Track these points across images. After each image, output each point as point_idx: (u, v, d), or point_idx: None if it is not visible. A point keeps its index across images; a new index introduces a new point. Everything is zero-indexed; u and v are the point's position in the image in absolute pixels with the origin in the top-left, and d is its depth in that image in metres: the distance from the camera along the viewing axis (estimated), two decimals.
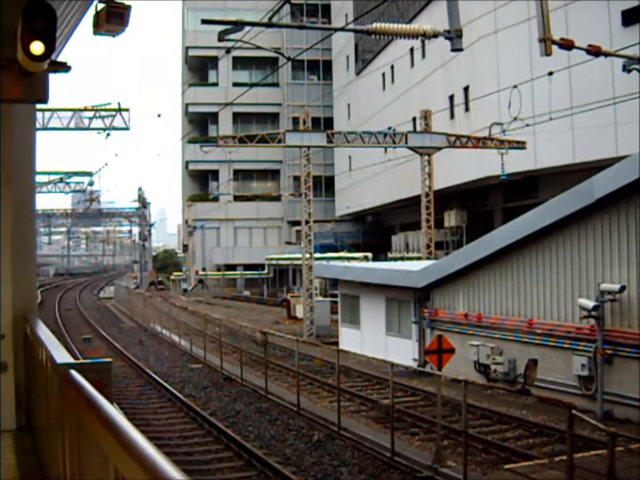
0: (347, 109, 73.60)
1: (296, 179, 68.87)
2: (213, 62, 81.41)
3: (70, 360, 5.34)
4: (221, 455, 15.19)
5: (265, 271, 76.55)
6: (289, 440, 16.16)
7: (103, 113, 38.92)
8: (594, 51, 18.07)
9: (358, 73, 68.95)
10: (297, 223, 57.45)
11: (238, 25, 21.52)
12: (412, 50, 52.77)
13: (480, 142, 38.83)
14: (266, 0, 46.80)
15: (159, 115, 61.85)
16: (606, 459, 10.67)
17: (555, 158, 36.86)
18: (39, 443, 7.33)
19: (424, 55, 51.60)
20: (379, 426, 17.55)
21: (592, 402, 18.49)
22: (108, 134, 39.06)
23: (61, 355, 5.49)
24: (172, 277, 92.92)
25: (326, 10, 79.99)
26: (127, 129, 39.26)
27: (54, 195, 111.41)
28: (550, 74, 26.49)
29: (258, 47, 26.30)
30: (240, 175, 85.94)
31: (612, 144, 32.79)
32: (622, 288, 17.67)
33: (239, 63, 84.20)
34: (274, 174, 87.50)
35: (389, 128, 41.85)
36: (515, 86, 28.98)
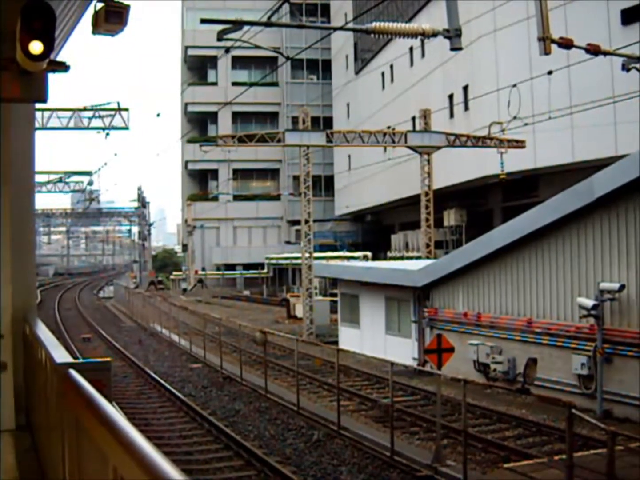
0: (347, 109, 73.61)
1: (295, 178, 68.83)
2: (212, 61, 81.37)
3: (70, 360, 5.34)
4: (221, 454, 15.18)
5: (265, 271, 76.60)
6: (288, 440, 16.16)
7: (102, 113, 38.90)
8: (593, 50, 18.09)
9: (357, 72, 68.95)
10: (297, 222, 57.49)
11: (237, 24, 21.50)
12: (411, 49, 52.77)
13: (479, 141, 38.84)
14: None
15: (158, 115, 61.84)
16: (606, 458, 10.67)
17: (555, 157, 36.87)
18: (38, 443, 7.33)
19: (423, 55, 51.61)
20: (379, 425, 17.54)
21: (591, 401, 18.50)
22: (107, 134, 39.05)
23: (60, 355, 5.49)
24: (171, 276, 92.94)
25: (325, 9, 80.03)
26: (126, 128, 39.25)
27: (53, 195, 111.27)
28: (550, 73, 26.52)
29: (257, 47, 26.28)
30: (240, 174, 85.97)
31: (611, 143, 32.80)
32: (622, 287, 17.67)
33: (238, 62, 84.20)
34: (273, 174, 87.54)
35: (389, 127, 41.86)
36: (514, 85, 29.00)
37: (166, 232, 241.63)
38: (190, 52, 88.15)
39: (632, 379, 17.16)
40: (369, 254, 60.23)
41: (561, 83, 32.92)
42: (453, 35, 18.39)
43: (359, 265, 39.71)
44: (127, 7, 7.68)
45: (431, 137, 40.94)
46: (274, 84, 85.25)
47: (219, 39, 22.48)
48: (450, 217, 49.89)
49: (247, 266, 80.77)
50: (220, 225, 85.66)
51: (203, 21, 23.01)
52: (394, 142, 40.58)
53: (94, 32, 7.91)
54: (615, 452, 10.66)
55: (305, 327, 38.79)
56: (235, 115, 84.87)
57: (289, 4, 18.29)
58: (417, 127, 45.28)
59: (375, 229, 73.57)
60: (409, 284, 26.61)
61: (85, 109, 38.89)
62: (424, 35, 19.88)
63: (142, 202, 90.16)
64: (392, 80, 59.66)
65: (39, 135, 44.53)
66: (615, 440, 10.64)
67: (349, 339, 30.87)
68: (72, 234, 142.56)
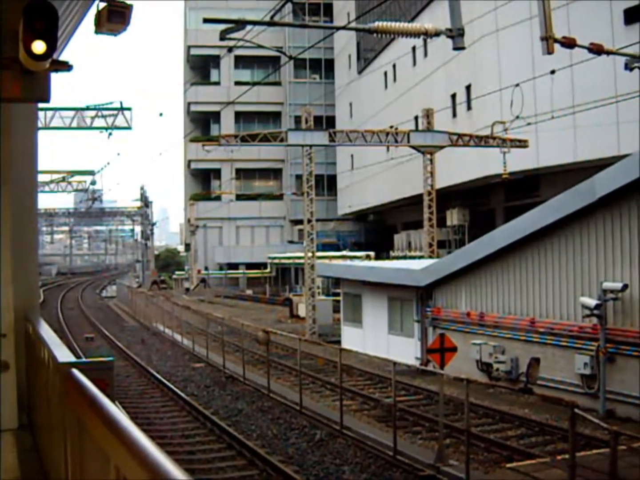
0: (349, 108, 73.59)
1: (298, 177, 68.87)
2: (215, 61, 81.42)
3: (72, 359, 5.34)
4: (223, 454, 15.19)
5: (268, 270, 76.61)
6: (291, 439, 16.16)
7: (105, 112, 38.93)
8: (596, 49, 18.07)
9: (360, 72, 68.93)
10: (300, 222, 57.45)
11: (240, 24, 21.51)
12: (414, 49, 52.73)
13: (482, 141, 38.82)
14: None
15: (161, 115, 61.78)
16: (608, 457, 10.67)
17: (557, 157, 36.83)
18: (40, 442, 7.34)
19: (425, 54, 51.59)
20: (381, 425, 17.54)
21: (594, 401, 18.49)
22: (110, 133, 39.08)
23: (63, 354, 5.50)
24: (174, 276, 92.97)
25: (328, 9, 80.00)
26: (129, 128, 39.29)
27: (56, 195, 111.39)
28: (553, 72, 26.47)
29: (260, 46, 26.30)
30: (243, 174, 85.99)
31: (614, 143, 32.75)
32: (625, 287, 17.66)
33: (241, 62, 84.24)
34: (276, 173, 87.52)
35: (391, 127, 41.86)
36: (517, 85, 28.97)
37: (169, 232, 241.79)
38: (193, 51, 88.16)
39: (635, 378, 17.14)
40: (372, 253, 60.18)
41: (564, 83, 32.87)
42: (456, 34, 18.37)
43: (361, 264, 39.68)
44: (129, 7, 7.69)
45: (434, 137, 40.93)
46: (277, 84, 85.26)
47: (222, 38, 22.50)
48: (453, 217, 49.88)
49: (249, 266, 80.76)
50: (223, 225, 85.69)
51: (206, 21, 23.02)
52: (396, 141, 40.57)
53: (96, 32, 7.93)
54: (618, 452, 10.65)
55: (308, 326, 38.79)
56: (238, 115, 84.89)
57: (292, 4, 18.31)
58: (420, 127, 45.27)
59: (378, 229, 73.55)
60: (411, 284, 26.60)
61: (87, 109, 38.92)
62: (427, 34, 19.85)
63: (145, 202, 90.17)
64: (394, 79, 59.65)
65: (41, 135, 44.57)
66: (617, 440, 10.64)
67: (352, 339, 30.87)
68: (74, 233, 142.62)
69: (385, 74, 61.12)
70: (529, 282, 21.52)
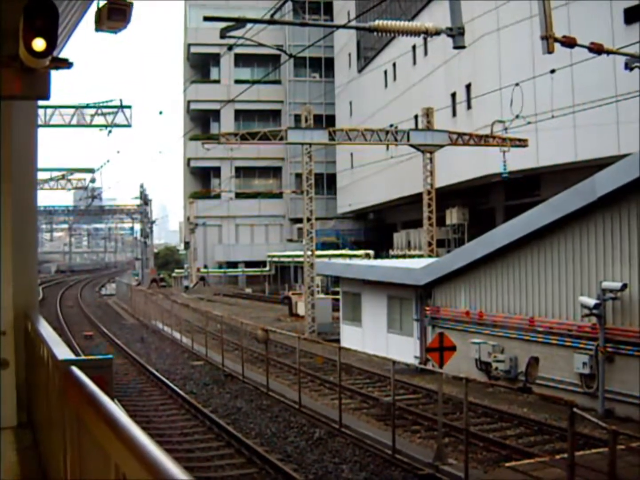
0: (349, 107, 73.59)
1: (298, 176, 68.88)
2: (215, 59, 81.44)
3: (71, 356, 5.34)
4: (222, 452, 15.20)
5: (267, 268, 76.62)
6: (290, 438, 16.17)
7: (105, 110, 38.94)
8: (596, 49, 18.06)
9: (360, 70, 68.94)
10: (299, 220, 57.48)
11: (240, 22, 21.51)
12: (414, 47, 52.74)
13: (482, 140, 38.84)
14: None
15: (160, 113, 61.76)
16: (607, 457, 10.66)
17: (557, 156, 36.85)
18: (39, 440, 7.34)
19: (426, 53, 51.59)
20: (380, 424, 17.55)
21: (593, 400, 18.50)
22: (110, 131, 39.11)
23: (62, 352, 5.49)
24: (173, 274, 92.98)
25: (328, 7, 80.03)
26: (129, 126, 39.29)
27: (55, 192, 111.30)
28: (553, 71, 26.47)
29: (260, 44, 26.29)
30: (242, 172, 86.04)
31: (614, 142, 32.76)
32: (624, 286, 17.66)
33: (241, 60, 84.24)
34: (275, 171, 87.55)
35: (391, 126, 41.85)
36: (517, 84, 28.98)
37: (168, 230, 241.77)
38: (193, 49, 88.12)
39: (634, 378, 17.15)
40: (371, 252, 60.22)
41: (564, 82, 32.88)
42: (456, 33, 18.35)
43: (361, 263, 39.71)
44: (129, 5, 7.68)
45: (434, 136, 40.94)
46: (277, 82, 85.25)
47: (222, 36, 22.49)
48: (453, 216, 49.90)
49: (249, 264, 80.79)
50: (223, 223, 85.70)
51: (206, 19, 22.98)
52: (396, 140, 40.58)
53: (96, 30, 7.92)
54: (617, 452, 10.64)
55: (307, 325, 38.80)
56: (238, 113, 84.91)
57: (292, 2, 18.30)
58: (420, 126, 45.31)
59: (377, 227, 73.58)
60: (411, 283, 26.60)
61: (87, 106, 38.92)
62: (427, 33, 19.84)
63: (145, 200, 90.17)
64: (394, 78, 59.66)
65: (41, 132, 44.55)
66: (616, 439, 10.63)
67: (351, 337, 30.87)
68: (74, 231, 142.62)
69: (385, 72, 61.13)
70: (529, 282, 21.53)
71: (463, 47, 19.12)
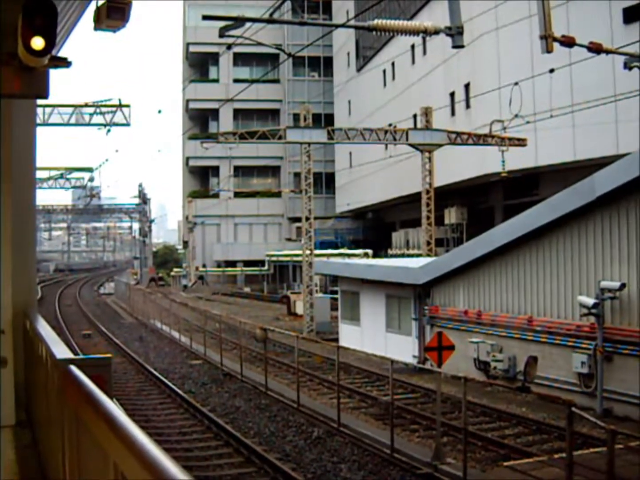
0: (348, 106, 73.57)
1: (297, 175, 68.88)
2: (214, 58, 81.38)
3: (70, 355, 5.34)
4: (221, 451, 15.20)
5: (266, 268, 76.64)
6: (288, 437, 16.17)
7: (104, 109, 38.94)
8: (595, 48, 18.07)
9: (359, 70, 68.92)
10: (298, 219, 57.50)
11: (239, 21, 21.48)
12: (413, 47, 52.72)
13: (481, 139, 38.81)
14: None
15: (159, 112, 61.70)
16: (605, 456, 10.67)
17: (556, 155, 36.84)
18: (38, 438, 7.34)
19: (424, 52, 51.57)
20: (379, 423, 17.55)
21: (591, 400, 18.50)
22: (109, 130, 39.10)
23: (61, 351, 5.49)
24: (172, 273, 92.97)
25: (327, 6, 79.95)
26: (127, 125, 39.30)
27: (54, 191, 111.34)
28: (552, 71, 26.46)
29: (259, 44, 26.27)
30: (241, 171, 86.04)
31: (613, 142, 32.77)
32: (622, 286, 17.67)
33: (240, 59, 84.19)
34: (274, 170, 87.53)
35: (390, 125, 41.86)
36: (516, 83, 28.99)
37: (167, 229, 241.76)
38: (192, 48, 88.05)
39: (633, 377, 17.15)
40: (370, 251, 60.23)
41: (563, 81, 32.89)
42: (455, 32, 18.34)
43: (359, 262, 39.71)
44: (128, 3, 7.67)
45: (432, 135, 40.92)
46: (276, 81, 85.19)
47: (221, 35, 22.47)
48: (451, 215, 49.89)
49: (247, 263, 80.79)
50: (221, 222, 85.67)
51: (205, 17, 22.96)
52: (395, 139, 40.57)
53: (95, 28, 7.90)
54: (615, 451, 10.65)
55: (306, 324, 38.80)
56: (237, 112, 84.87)
57: (291, 1, 18.30)
58: (419, 125, 45.28)
59: (376, 227, 73.55)
60: (409, 282, 26.61)
61: (86, 105, 38.91)
62: (426, 32, 19.83)
63: (143, 199, 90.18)
64: (393, 77, 59.64)
65: (40, 131, 44.49)
66: (615, 438, 10.64)
67: (350, 337, 30.88)
68: (73, 230, 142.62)
69: (384, 72, 61.11)
70: (527, 281, 21.53)
71: (462, 46, 19.10)
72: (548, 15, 16.60)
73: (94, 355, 6.33)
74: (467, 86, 44.71)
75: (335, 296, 38.07)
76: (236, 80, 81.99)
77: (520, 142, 37.32)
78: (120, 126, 39.24)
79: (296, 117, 60.12)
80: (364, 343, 28.76)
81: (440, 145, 40.54)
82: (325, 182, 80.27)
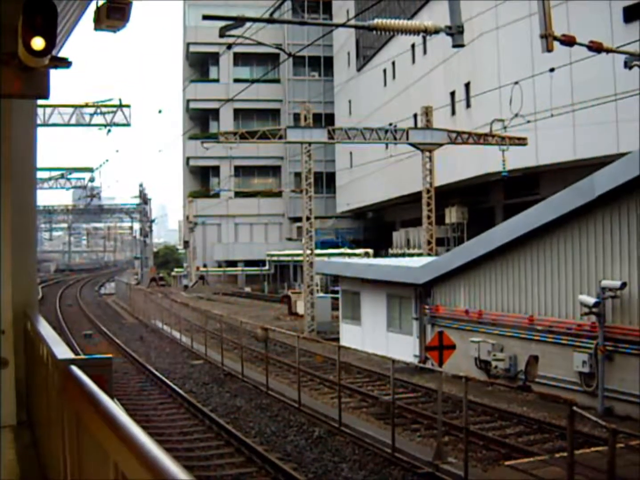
0: (348, 105, 73.55)
1: (297, 175, 68.87)
2: (214, 58, 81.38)
3: (71, 355, 5.33)
4: (222, 451, 15.21)
5: (266, 267, 76.64)
6: (289, 437, 16.17)
7: (104, 109, 38.93)
8: (596, 47, 18.06)
9: (359, 69, 68.91)
10: (298, 219, 57.44)
11: (239, 21, 21.48)
12: (413, 46, 52.70)
13: (481, 139, 38.77)
14: None
15: (159, 112, 61.69)
16: (607, 455, 10.67)
17: (557, 155, 36.83)
18: (39, 439, 7.33)
19: (425, 52, 51.56)
20: (380, 422, 17.56)
21: (592, 399, 18.50)
22: (109, 130, 39.10)
23: (62, 351, 5.48)
24: (173, 273, 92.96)
25: (327, 6, 79.93)
26: (128, 125, 39.30)
27: (55, 191, 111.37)
28: (552, 70, 26.45)
29: (259, 43, 26.29)
30: (241, 171, 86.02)
31: (613, 141, 32.75)
32: (623, 285, 17.67)
33: (240, 59, 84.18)
34: (275, 170, 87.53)
35: (390, 124, 41.84)
36: (516, 82, 28.98)
37: (168, 229, 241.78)
38: (192, 48, 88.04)
39: (634, 376, 17.15)
40: (371, 251, 60.20)
41: (563, 80, 32.86)
42: (455, 32, 18.33)
43: (360, 262, 39.71)
44: (129, 3, 7.66)
45: (433, 135, 40.89)
46: (276, 81, 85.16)
47: (221, 35, 22.45)
48: (452, 215, 49.87)
49: (248, 263, 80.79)
50: (222, 222, 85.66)
51: (205, 17, 22.95)
52: (395, 139, 40.55)
53: (96, 28, 7.89)
54: (616, 450, 10.65)
55: (307, 324, 38.80)
56: (237, 112, 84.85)
57: (291, 1, 18.29)
58: (419, 124, 45.23)
59: (376, 226, 73.54)
60: (410, 281, 26.61)
61: (87, 105, 38.89)
62: (426, 32, 19.83)
63: (144, 199, 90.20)
64: (393, 77, 59.62)
65: (40, 132, 44.46)
66: (616, 437, 10.64)
67: (350, 336, 30.88)
68: (73, 230, 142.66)
69: (385, 71, 61.10)
70: (528, 280, 21.53)
71: (462, 45, 19.10)
72: (548, 14, 16.59)
73: (94, 355, 6.31)
74: (467, 85, 44.70)
75: (336, 296, 38.07)
76: (236, 80, 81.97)
77: (521, 142, 37.29)
78: (121, 126, 39.26)
79: (296, 116, 60.17)
80: (365, 343, 28.75)
81: (440, 145, 40.51)
82: (326, 182, 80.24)
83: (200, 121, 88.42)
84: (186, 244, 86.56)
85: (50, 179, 65.11)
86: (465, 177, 44.90)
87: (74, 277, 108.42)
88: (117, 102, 38.93)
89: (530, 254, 21.45)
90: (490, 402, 19.29)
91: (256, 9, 38.97)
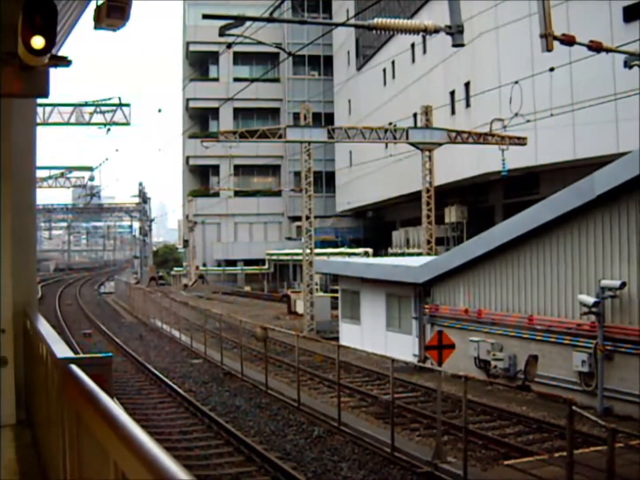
0: (348, 105, 73.53)
1: (297, 174, 68.85)
2: (214, 57, 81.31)
3: (71, 354, 5.34)
4: (221, 450, 15.20)
5: (266, 266, 76.64)
6: (289, 436, 16.17)
7: (104, 108, 38.86)
8: (595, 47, 18.04)
9: (359, 68, 68.89)
10: (298, 218, 57.48)
11: (239, 20, 21.48)
12: (413, 45, 52.68)
13: (481, 138, 38.75)
14: None
15: (159, 111, 61.61)
16: (606, 455, 10.67)
17: (556, 154, 36.83)
18: (38, 438, 7.33)
19: (424, 51, 51.54)
20: (379, 422, 17.56)
21: (592, 398, 18.50)
22: (109, 129, 39.04)
23: (61, 350, 5.49)
24: (172, 272, 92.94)
25: (327, 5, 79.93)
26: (127, 124, 39.23)
27: (54, 190, 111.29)
28: (552, 69, 26.44)
29: (259, 42, 26.31)
30: (241, 170, 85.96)
31: (613, 141, 32.74)
32: (623, 284, 17.67)
33: (240, 58, 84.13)
34: (274, 169, 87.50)
35: (390, 124, 41.84)
36: (516, 82, 28.97)
37: (167, 228, 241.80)
38: (192, 47, 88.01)
39: (633, 376, 17.16)
40: (370, 250, 60.19)
41: (563, 80, 32.87)
42: (455, 31, 18.33)
43: (359, 261, 39.72)
44: (128, 2, 7.66)
45: (432, 134, 40.88)
46: (276, 80, 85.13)
47: (221, 34, 22.45)
48: (452, 214, 49.85)
49: (248, 262, 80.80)
50: (221, 221, 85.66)
51: (205, 17, 22.93)
52: (395, 138, 40.54)
53: (95, 27, 7.89)
54: (616, 450, 10.65)
55: (306, 323, 38.81)
56: (237, 111, 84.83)
57: (291, 0, 18.28)
58: (419, 124, 45.20)
59: (376, 226, 73.52)
60: (410, 281, 26.61)
61: (86, 104, 38.85)
62: (426, 31, 19.82)
63: (143, 198, 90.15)
64: (393, 76, 59.61)
65: (40, 130, 44.51)
66: (615, 437, 10.64)
67: (350, 335, 30.88)
68: (73, 229, 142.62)
69: (384, 70, 61.08)
70: (527, 280, 21.53)
71: (462, 45, 19.09)
72: (548, 14, 16.59)
73: (94, 354, 6.31)
74: (467, 85, 44.69)
75: (336, 295, 38.07)
76: (236, 79, 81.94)
77: (521, 141, 37.28)
78: (120, 125, 39.18)
79: (296, 116, 60.20)
80: (364, 342, 28.75)
81: (440, 144, 40.50)
82: (326, 181, 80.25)
83: (200, 120, 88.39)
84: (186, 243, 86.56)
85: (49, 177, 65.03)
86: (464, 177, 44.90)
87: (74, 276, 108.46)
88: (116, 101, 38.87)
89: (529, 254, 21.45)
90: (489, 402, 19.29)
91: (256, 8, 38.96)
